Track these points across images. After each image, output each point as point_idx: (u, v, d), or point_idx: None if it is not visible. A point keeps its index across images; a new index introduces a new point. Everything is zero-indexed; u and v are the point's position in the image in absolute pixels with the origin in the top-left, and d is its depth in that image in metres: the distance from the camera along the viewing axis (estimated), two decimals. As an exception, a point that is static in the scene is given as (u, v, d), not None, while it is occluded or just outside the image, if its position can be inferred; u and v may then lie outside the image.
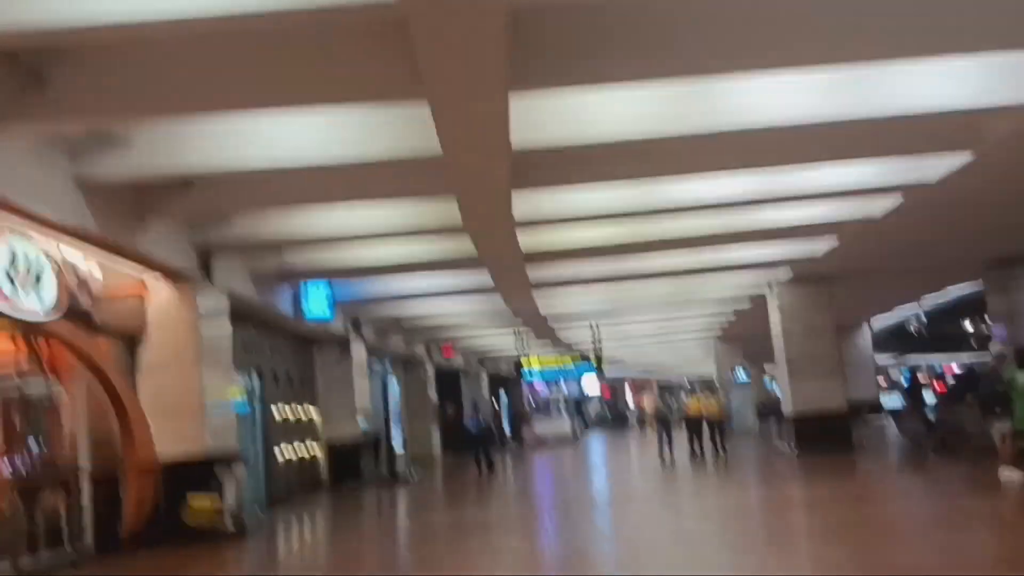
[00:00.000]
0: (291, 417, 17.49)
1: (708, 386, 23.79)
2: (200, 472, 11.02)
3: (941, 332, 49.00)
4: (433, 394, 27.82)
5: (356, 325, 19.60)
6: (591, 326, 25.87)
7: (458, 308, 20.59)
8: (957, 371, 44.87)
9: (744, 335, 31.29)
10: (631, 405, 65.81)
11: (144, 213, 9.81)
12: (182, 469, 10.95)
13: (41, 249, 8.13)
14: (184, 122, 8.31)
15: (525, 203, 10.83)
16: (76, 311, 9.31)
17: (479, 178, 8.93)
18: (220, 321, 12.26)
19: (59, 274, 8.50)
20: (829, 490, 12.53)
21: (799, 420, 18.98)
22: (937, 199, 12.22)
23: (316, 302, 15.69)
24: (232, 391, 12.78)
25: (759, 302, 21.60)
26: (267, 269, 13.79)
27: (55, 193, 8.12)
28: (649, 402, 66.16)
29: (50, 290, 8.15)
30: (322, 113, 8.29)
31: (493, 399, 37.05)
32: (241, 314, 14.23)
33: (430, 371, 27.79)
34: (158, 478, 10.73)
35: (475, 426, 19.58)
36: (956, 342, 51.55)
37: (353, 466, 19.04)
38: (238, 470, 11.52)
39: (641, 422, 48.78)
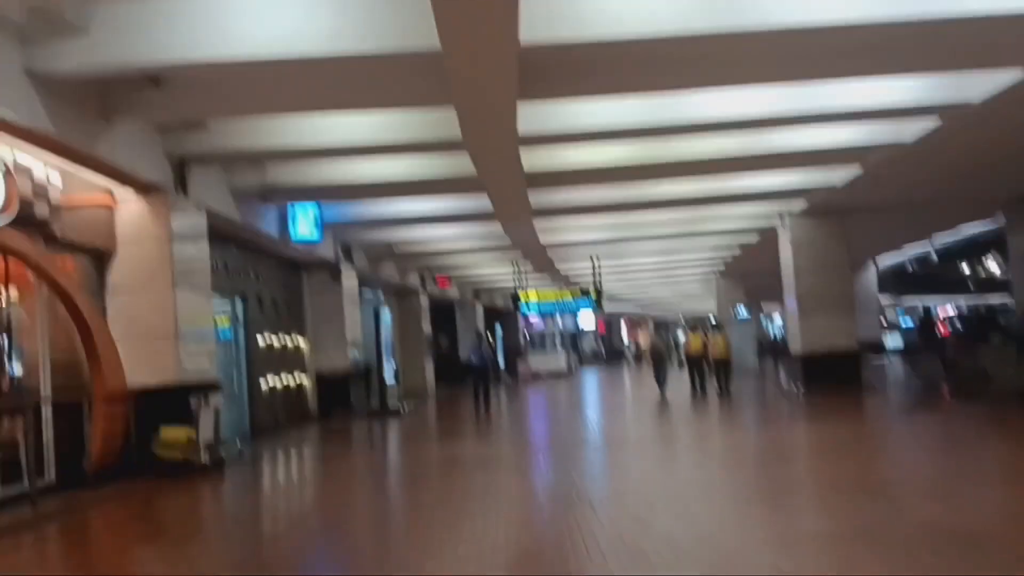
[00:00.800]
0: (277, 345, 16.68)
1: (714, 323, 22.93)
2: (173, 401, 10.22)
3: (937, 274, 48.39)
4: (427, 326, 27.03)
5: (347, 251, 18.69)
6: (591, 258, 25.04)
7: (454, 235, 19.64)
8: (953, 313, 44.44)
9: (748, 271, 30.53)
10: (626, 341, 65.54)
11: (108, 114, 8.84)
12: (154, 398, 10.14)
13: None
14: (149, 3, 7.28)
15: (529, 117, 9.85)
16: (31, 220, 8.36)
17: (482, 77, 7.92)
18: (197, 239, 11.32)
19: (6, 176, 7.52)
20: (850, 432, 11.80)
21: (807, 359, 18.27)
22: (978, 123, 11.26)
23: (303, 224, 14.74)
24: (210, 316, 11.90)
25: (768, 236, 20.71)
26: (250, 186, 12.81)
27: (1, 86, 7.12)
28: (645, 338, 66.00)
29: (-3, 194, 7.20)
30: (306, -1, 7.30)
31: (488, 332, 36.36)
32: (222, 234, 13.32)
33: (424, 302, 26.98)
34: (127, 407, 9.93)
35: (477, 359, 18.70)
36: (953, 285, 50.94)
37: (343, 397, 18.32)
38: (215, 400, 10.71)
39: (637, 358, 48.33)
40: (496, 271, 27.11)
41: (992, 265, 50.34)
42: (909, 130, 12.08)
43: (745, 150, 12.82)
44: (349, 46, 7.37)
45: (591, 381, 32.08)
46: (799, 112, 10.76)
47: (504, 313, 39.17)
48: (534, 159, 12.28)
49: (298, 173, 12.91)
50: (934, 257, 29.95)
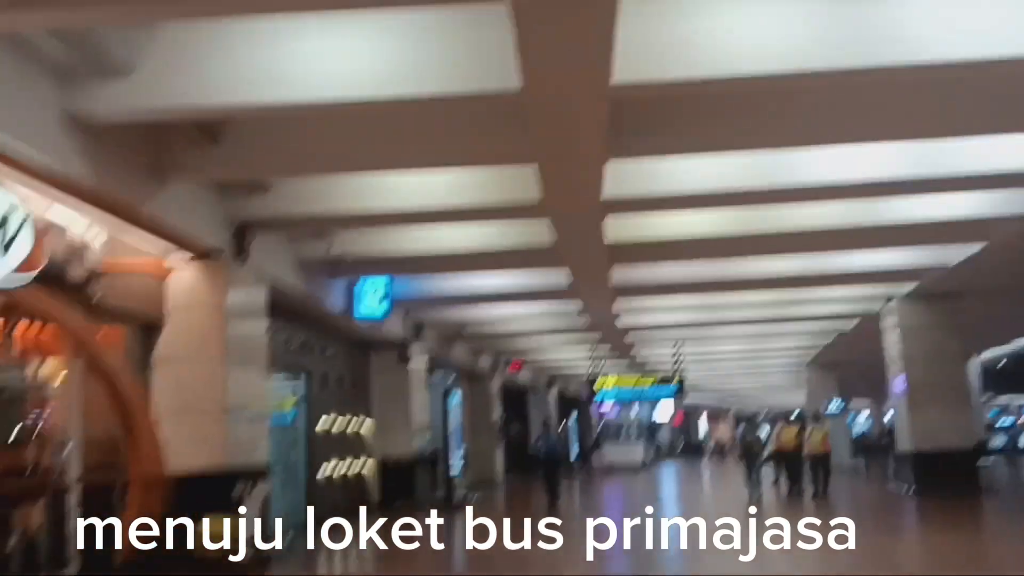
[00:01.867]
0: (340, 428, 15.67)
1: (812, 413, 21.13)
2: (218, 488, 9.19)
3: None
4: (498, 411, 25.81)
5: (417, 330, 17.78)
6: (674, 344, 23.74)
7: (529, 314, 18.52)
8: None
9: (840, 362, 28.67)
10: (704, 434, 62.90)
11: (161, 169, 8.09)
12: (196, 483, 9.12)
13: (11, 196, 6.38)
14: (205, 41, 6.53)
15: (616, 178, 8.81)
16: (62, 282, 7.57)
17: (568, 117, 6.92)
18: (255, 312, 10.47)
19: (32, 228, 6.74)
20: (979, 546, 10.11)
21: (917, 457, 16.45)
22: None
23: (370, 300, 13.86)
24: (266, 396, 10.96)
25: (867, 323, 19.15)
26: (316, 256, 12.01)
27: (32, 126, 6.39)
28: (726, 431, 63.26)
29: (20, 246, 6.40)
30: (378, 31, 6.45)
31: (564, 420, 34.95)
32: (286, 307, 12.52)
33: (495, 386, 25.85)
34: (165, 493, 8.92)
35: (545, 448, 17.35)
36: None
37: (406, 486, 17.12)
38: (263, 488, 9.66)
39: (719, 452, 45.98)
40: (571, 355, 25.89)
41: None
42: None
43: (854, 221, 11.49)
44: (423, 88, 6.45)
45: (670, 476, 30.25)
46: (925, 176, 9.41)
47: (578, 401, 37.73)
48: (619, 228, 11.21)
49: (367, 242, 12.10)
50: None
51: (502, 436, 26.42)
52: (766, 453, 18.34)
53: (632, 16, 5.68)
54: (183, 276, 9.65)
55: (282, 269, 11.43)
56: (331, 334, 15.25)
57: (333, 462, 15.20)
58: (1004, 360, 39.37)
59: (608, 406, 41.61)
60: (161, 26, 6.46)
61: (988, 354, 34.30)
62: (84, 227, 7.97)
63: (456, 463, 18.37)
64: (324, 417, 14.87)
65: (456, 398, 19.54)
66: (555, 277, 13.86)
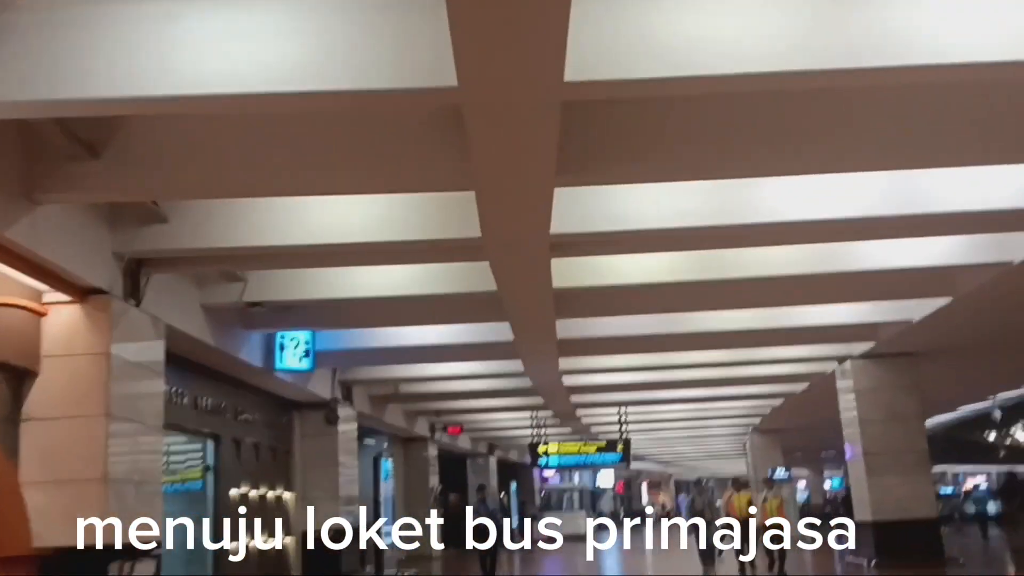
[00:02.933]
0: (256, 498, 14.14)
1: (764, 480, 20.03)
2: (92, 568, 7.72)
3: (963, 440, 45.20)
4: (435, 480, 24.31)
5: (347, 390, 16.45)
6: (619, 411, 22.83)
7: (468, 374, 17.29)
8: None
9: (786, 428, 27.98)
10: (645, 501, 61.87)
11: (32, 188, 6.84)
12: (67, 562, 7.65)
13: None
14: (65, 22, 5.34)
15: (560, 217, 7.69)
16: None
17: (512, 132, 5.83)
18: (148, 362, 9.11)
19: None
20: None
21: (879, 527, 15.51)
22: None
23: (291, 353, 12.57)
24: (158, 459, 9.52)
25: (820, 383, 18.38)
26: (227, 300, 10.71)
27: None
28: (667, 498, 62.19)
29: None
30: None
31: (504, 493, 33.45)
32: (194, 362, 11.21)
33: (432, 452, 24.41)
34: (32, 573, 7.45)
35: (484, 513, 15.81)
36: (978, 452, 47.71)
37: (331, 562, 15.55)
38: (145, 568, 8.19)
39: (663, 517, 44.82)
40: (513, 420, 24.67)
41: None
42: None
43: (814, 268, 10.45)
44: (341, 83, 5.19)
45: (614, 546, 28.88)
46: (897, 214, 8.39)
47: (520, 467, 36.33)
48: (566, 272, 10.12)
49: (285, 287, 10.82)
50: (997, 414, 27.42)
51: (439, 506, 24.85)
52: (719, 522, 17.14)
53: (589, 10, 4.93)
54: (61, 318, 8.28)
55: (186, 315, 10.12)
56: (247, 394, 13.84)
57: (247, 536, 13.64)
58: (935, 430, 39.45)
59: (551, 473, 40.24)
60: (15, 7, 5.26)
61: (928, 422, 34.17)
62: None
63: (388, 536, 16.82)
64: (237, 486, 13.36)
65: (388, 465, 18.07)
66: (497, 331, 12.75)
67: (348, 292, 10.65)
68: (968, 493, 37.44)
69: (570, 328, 12.87)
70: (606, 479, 50.38)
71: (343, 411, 16.10)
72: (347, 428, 16.35)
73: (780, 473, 29.65)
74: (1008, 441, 47.27)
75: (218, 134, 6.57)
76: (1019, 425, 45.59)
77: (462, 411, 22.47)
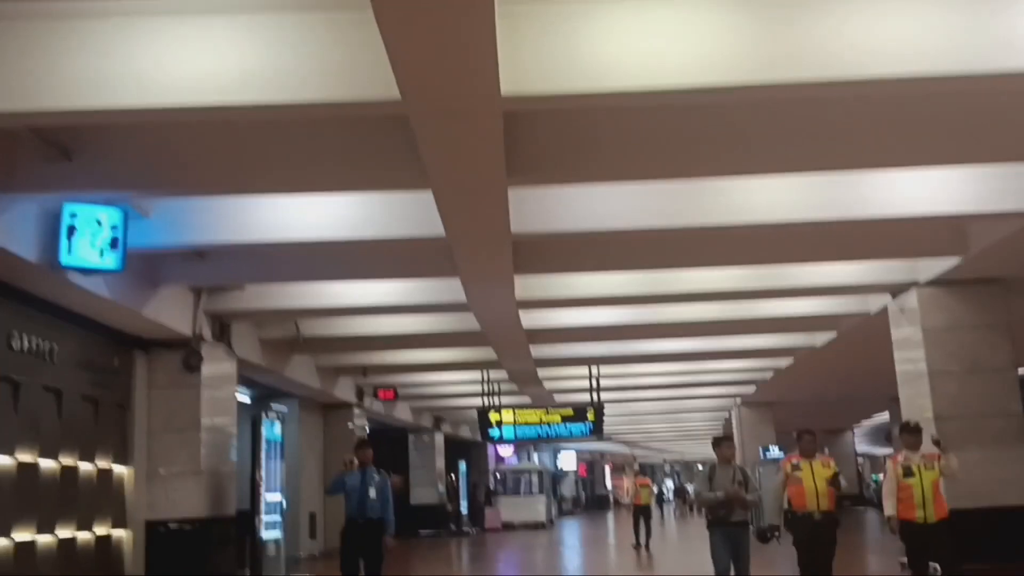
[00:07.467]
0: (51, 472, 9.36)
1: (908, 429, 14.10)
2: None
3: None
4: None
5: (220, 327, 11.81)
6: (590, 369, 18.55)
7: (395, 303, 12.50)
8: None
9: (786, 399, 23.86)
10: (610, 485, 57.99)
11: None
12: None
13: None
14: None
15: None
16: None
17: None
18: None
19: None
20: None
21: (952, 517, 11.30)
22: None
23: (88, 240, 7.86)
24: None
25: (854, 329, 14.18)
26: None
27: None
28: (631, 484, 58.18)
29: None
30: None
31: (451, 475, 29.02)
32: None
33: (361, 423, 19.76)
34: None
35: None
36: None
37: (189, 560, 10.91)
38: None
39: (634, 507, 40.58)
40: (461, 384, 20.14)
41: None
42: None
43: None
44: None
45: (574, 537, 24.83)
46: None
47: (472, 446, 31.89)
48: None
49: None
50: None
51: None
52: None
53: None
54: None
55: None
56: (36, 313, 9.06)
57: (40, 528, 8.92)
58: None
59: (508, 452, 35.71)
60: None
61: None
62: None
63: (272, 527, 12.19)
64: (10, 453, 8.63)
65: (275, 429, 13.26)
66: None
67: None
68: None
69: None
70: (568, 461, 46.12)
71: (212, 352, 11.44)
72: (217, 378, 11.68)
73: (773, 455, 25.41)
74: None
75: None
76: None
77: (394, 368, 17.73)
